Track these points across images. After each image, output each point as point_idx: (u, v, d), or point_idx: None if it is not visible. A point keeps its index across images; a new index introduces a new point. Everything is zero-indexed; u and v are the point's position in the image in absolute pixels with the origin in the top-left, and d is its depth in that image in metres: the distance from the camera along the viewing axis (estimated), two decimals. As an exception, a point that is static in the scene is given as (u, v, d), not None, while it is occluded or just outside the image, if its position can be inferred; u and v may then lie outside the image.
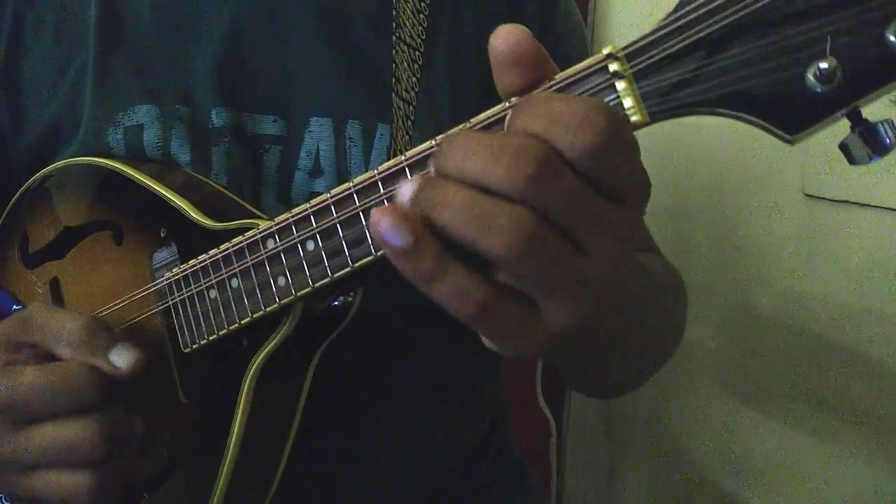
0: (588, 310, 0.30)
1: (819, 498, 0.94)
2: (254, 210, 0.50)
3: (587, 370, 0.55)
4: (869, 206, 0.85)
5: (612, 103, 0.30)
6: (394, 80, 0.56)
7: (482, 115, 0.33)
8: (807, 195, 0.90)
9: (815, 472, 0.94)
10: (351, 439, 0.59)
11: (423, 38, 0.57)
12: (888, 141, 0.27)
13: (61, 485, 0.43)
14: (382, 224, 0.29)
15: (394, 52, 0.56)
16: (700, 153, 1.01)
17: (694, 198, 1.03)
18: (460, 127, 0.33)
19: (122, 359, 0.44)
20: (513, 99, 0.32)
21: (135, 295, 0.51)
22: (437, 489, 0.65)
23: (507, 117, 0.30)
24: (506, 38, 0.31)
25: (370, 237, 0.37)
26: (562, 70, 0.32)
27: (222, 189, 0.54)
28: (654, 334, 0.58)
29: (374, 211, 0.30)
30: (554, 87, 0.31)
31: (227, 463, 0.47)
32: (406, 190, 0.30)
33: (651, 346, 0.59)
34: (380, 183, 0.36)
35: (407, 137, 0.56)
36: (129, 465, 0.46)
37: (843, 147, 0.27)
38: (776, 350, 0.97)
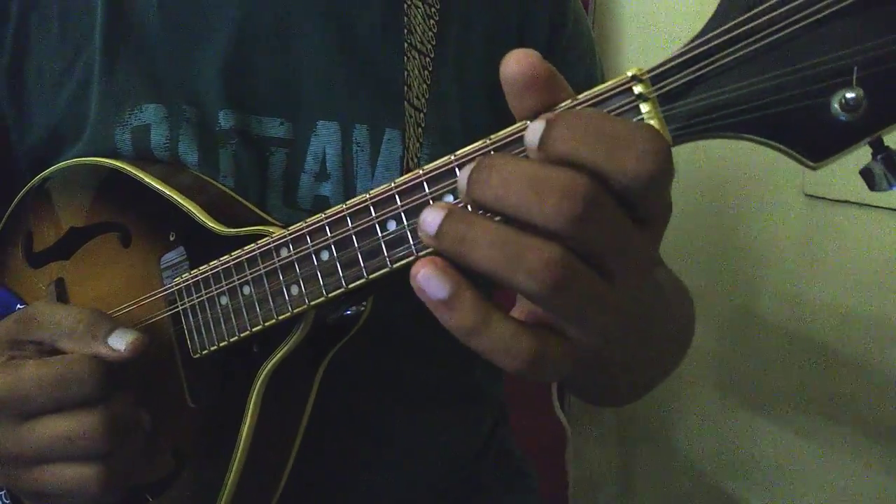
0: (613, 333, 0.30)
1: (820, 499, 0.94)
2: (262, 214, 0.50)
3: (600, 384, 0.56)
4: (869, 206, 0.85)
5: None
6: (406, 87, 0.55)
7: (502, 133, 0.33)
8: (807, 195, 0.91)
9: (817, 473, 0.94)
10: (354, 441, 0.60)
11: (434, 44, 0.57)
12: None
13: (66, 478, 0.43)
14: (420, 273, 0.29)
15: (405, 58, 0.56)
16: (700, 153, 1.01)
17: (694, 198, 1.03)
18: (479, 143, 0.33)
19: (121, 341, 0.44)
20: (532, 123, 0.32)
21: (144, 298, 0.51)
22: (439, 490, 0.65)
23: (540, 131, 0.28)
24: (518, 63, 0.30)
25: (386, 250, 0.37)
26: (574, 86, 0.32)
27: (230, 192, 0.53)
28: (665, 344, 0.59)
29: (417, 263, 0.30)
30: (577, 106, 0.31)
31: (234, 468, 0.47)
32: (432, 220, 0.29)
33: (662, 356, 0.60)
34: (397, 196, 0.36)
35: (418, 144, 0.55)
36: (135, 459, 0.45)
37: (865, 173, 0.28)
38: (776, 350, 0.97)
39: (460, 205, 0.31)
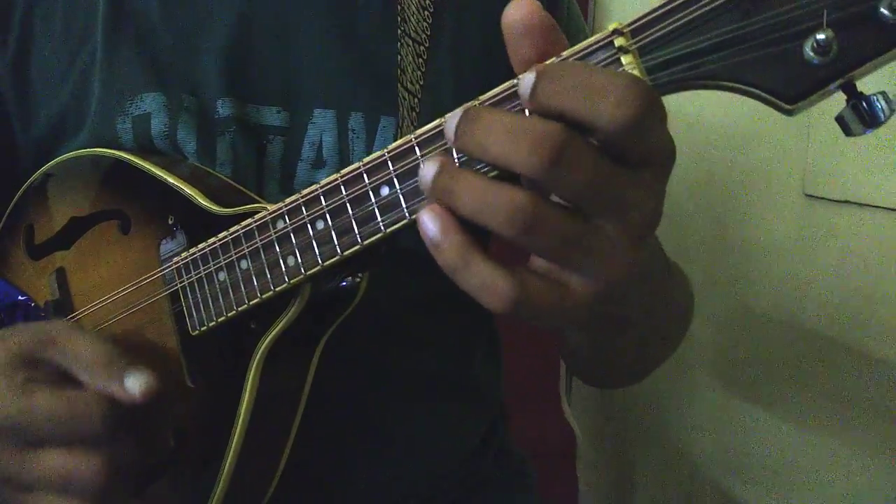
0: (618, 275, 0.32)
1: (820, 496, 0.93)
2: (260, 200, 0.51)
3: (602, 352, 0.56)
4: (869, 206, 0.85)
5: None
6: (399, 71, 0.57)
7: (492, 92, 0.34)
8: (807, 195, 0.91)
9: (816, 471, 0.94)
10: (353, 435, 0.60)
11: (428, 33, 0.58)
12: (882, 114, 0.28)
13: None
14: (422, 215, 0.33)
15: (398, 44, 0.57)
16: (700, 153, 1.01)
17: (694, 197, 1.04)
18: (471, 103, 0.34)
19: (136, 385, 0.44)
20: (521, 75, 0.33)
21: (143, 280, 0.52)
22: (438, 487, 0.65)
23: (531, 84, 0.30)
24: (519, 9, 0.32)
25: (379, 215, 0.37)
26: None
27: (228, 179, 0.54)
28: (665, 319, 0.59)
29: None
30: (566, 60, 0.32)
31: (232, 447, 0.47)
32: (427, 171, 0.32)
33: (662, 331, 0.60)
34: (389, 162, 0.37)
35: (412, 128, 0.56)
36: (128, 496, 0.46)
37: (840, 119, 0.28)
38: (776, 350, 0.96)
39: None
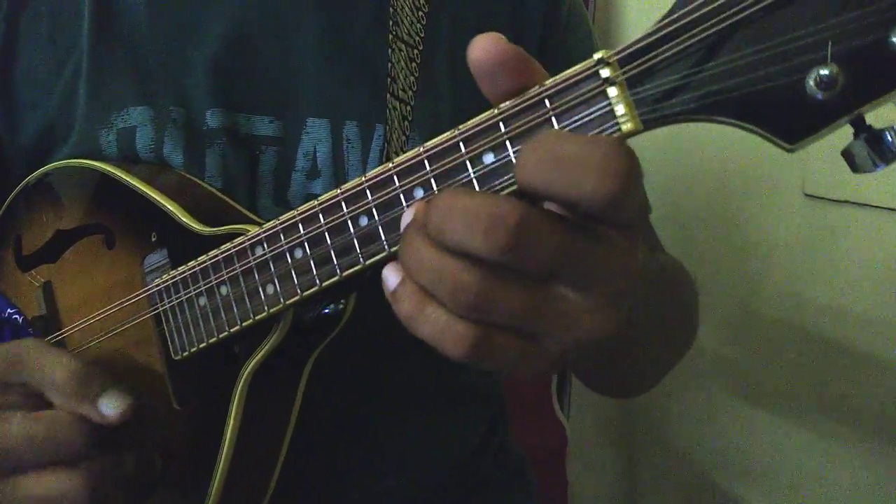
0: (592, 334, 0.30)
1: (820, 497, 0.93)
2: (246, 213, 0.50)
3: (609, 371, 0.55)
4: (869, 206, 0.85)
5: (603, 110, 0.29)
6: (389, 79, 0.55)
7: (471, 122, 0.32)
8: (807, 195, 0.90)
9: (816, 471, 0.94)
10: (348, 442, 0.59)
11: (422, 35, 0.56)
12: (894, 148, 0.26)
13: None
14: (385, 269, 0.33)
15: (390, 50, 0.55)
16: (699, 153, 1.00)
17: (694, 198, 1.03)
18: (448, 135, 0.32)
19: (111, 408, 0.43)
20: (503, 104, 0.31)
21: (126, 301, 0.51)
22: (437, 490, 0.64)
23: (516, 156, 0.29)
24: (483, 48, 0.30)
25: (358, 246, 0.36)
26: (550, 73, 0.31)
27: (215, 191, 0.53)
28: (673, 329, 0.58)
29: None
30: (544, 93, 0.30)
31: (220, 470, 0.46)
32: (402, 223, 0.32)
33: (671, 341, 0.59)
34: (368, 190, 0.35)
35: (403, 138, 0.55)
36: None
37: (847, 154, 0.26)
38: (776, 350, 0.96)
39: None
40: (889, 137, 0.26)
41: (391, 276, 0.32)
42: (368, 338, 0.53)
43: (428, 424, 0.63)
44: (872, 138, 0.26)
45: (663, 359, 0.61)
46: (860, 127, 0.26)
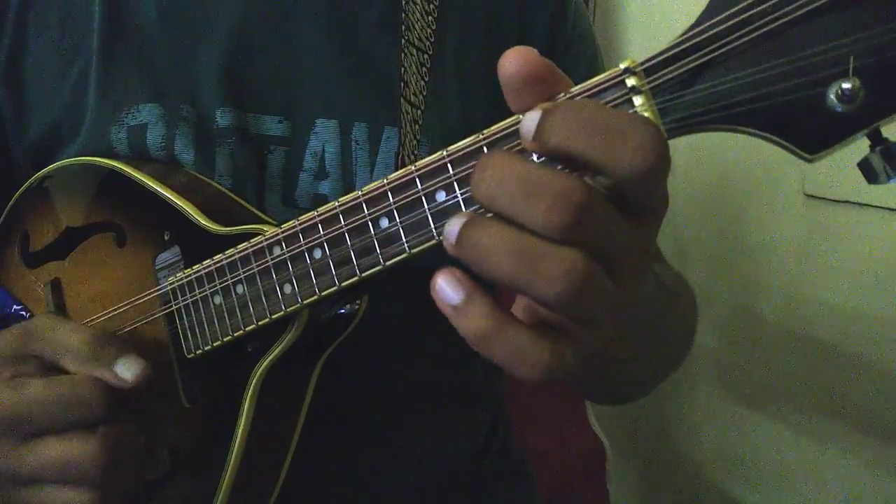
0: (619, 331, 0.30)
1: (820, 498, 0.94)
2: (257, 213, 0.50)
3: (606, 380, 0.55)
4: (869, 206, 0.85)
5: None
6: (402, 84, 0.55)
7: (496, 127, 0.32)
8: (807, 195, 0.90)
9: (817, 472, 0.94)
10: (353, 443, 0.59)
11: (432, 40, 0.57)
12: None
13: (60, 500, 0.43)
14: (437, 280, 0.30)
15: (402, 55, 0.56)
16: (700, 153, 1.01)
17: (694, 198, 1.03)
18: (472, 138, 0.33)
19: (129, 371, 0.44)
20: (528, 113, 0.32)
21: (138, 299, 0.51)
22: (439, 490, 0.65)
23: (537, 121, 0.28)
24: (515, 61, 0.30)
25: (379, 248, 0.36)
26: (576, 83, 0.31)
27: (226, 191, 0.53)
28: (669, 340, 0.59)
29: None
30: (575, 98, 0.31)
31: (229, 468, 0.47)
32: (452, 228, 0.29)
33: (667, 352, 0.60)
34: (389, 193, 0.35)
35: (415, 141, 0.55)
36: (130, 485, 0.45)
37: (863, 166, 0.27)
38: (776, 350, 0.97)
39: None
40: None
41: (450, 288, 0.29)
42: (378, 335, 0.53)
43: (435, 424, 0.63)
44: (888, 151, 0.27)
45: (659, 370, 0.61)
46: (877, 139, 0.27)
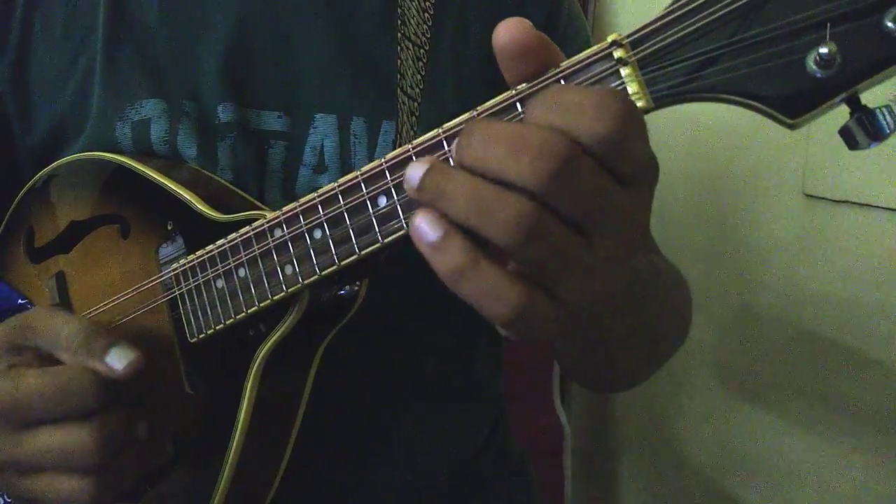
0: (598, 290, 0.31)
1: (819, 496, 0.94)
2: (258, 204, 0.51)
3: (598, 362, 0.56)
4: (869, 206, 0.85)
5: (616, 89, 0.31)
6: (399, 75, 0.56)
7: (489, 103, 0.33)
8: (807, 195, 0.91)
9: (816, 470, 0.94)
10: (354, 438, 0.60)
11: (428, 36, 0.58)
12: (887, 127, 0.27)
13: (59, 488, 0.43)
14: (416, 219, 0.31)
15: (398, 48, 0.57)
16: (699, 153, 1.01)
17: (694, 197, 1.04)
18: (467, 115, 0.34)
19: (119, 361, 0.44)
20: (520, 86, 0.33)
21: (141, 286, 0.51)
22: (439, 487, 0.65)
23: (524, 110, 0.30)
24: (508, 32, 0.31)
25: (377, 225, 0.37)
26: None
27: (228, 184, 0.54)
28: (663, 328, 0.59)
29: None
30: (560, 74, 0.32)
31: (231, 454, 0.47)
32: (414, 173, 0.31)
33: (660, 339, 0.60)
34: (387, 171, 0.36)
35: (412, 133, 0.56)
36: (129, 472, 0.46)
37: (843, 132, 0.28)
38: (775, 349, 0.97)
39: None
40: (882, 116, 0.27)
41: (428, 226, 0.30)
42: (378, 327, 0.54)
43: (436, 417, 0.64)
44: (867, 117, 0.28)
45: (652, 359, 0.61)
46: (855, 106, 0.28)
